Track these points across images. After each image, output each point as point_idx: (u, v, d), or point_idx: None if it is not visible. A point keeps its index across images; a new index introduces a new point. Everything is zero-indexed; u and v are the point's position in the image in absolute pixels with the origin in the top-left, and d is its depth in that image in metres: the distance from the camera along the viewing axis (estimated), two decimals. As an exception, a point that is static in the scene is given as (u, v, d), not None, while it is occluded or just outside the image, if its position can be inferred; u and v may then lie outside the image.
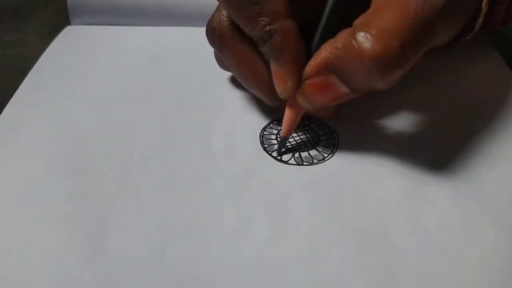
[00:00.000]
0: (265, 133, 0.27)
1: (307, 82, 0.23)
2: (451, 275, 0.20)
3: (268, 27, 0.23)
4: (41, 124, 0.27)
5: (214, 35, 0.25)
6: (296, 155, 0.25)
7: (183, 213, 0.22)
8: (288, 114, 0.25)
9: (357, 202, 0.23)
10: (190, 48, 0.33)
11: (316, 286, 0.20)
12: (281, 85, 0.24)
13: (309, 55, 0.23)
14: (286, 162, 0.25)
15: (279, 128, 0.27)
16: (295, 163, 0.25)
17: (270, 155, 0.25)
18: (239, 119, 0.27)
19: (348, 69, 0.21)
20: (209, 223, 0.22)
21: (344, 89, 0.22)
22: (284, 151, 0.26)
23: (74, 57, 0.32)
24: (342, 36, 0.22)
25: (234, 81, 0.30)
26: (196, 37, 0.34)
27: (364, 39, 0.20)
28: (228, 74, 0.30)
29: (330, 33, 0.23)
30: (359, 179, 0.24)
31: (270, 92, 0.25)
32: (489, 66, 0.32)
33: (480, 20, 0.25)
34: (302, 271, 0.20)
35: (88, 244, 0.21)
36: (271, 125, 0.27)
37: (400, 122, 0.27)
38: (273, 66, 0.24)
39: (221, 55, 0.26)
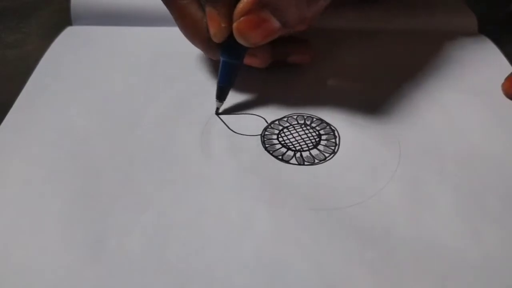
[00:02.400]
0: (266, 133, 0.27)
1: (241, 19, 0.24)
2: (451, 275, 0.20)
3: None
4: (43, 125, 0.27)
5: None
6: (298, 155, 0.25)
7: (183, 212, 0.22)
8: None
9: (358, 202, 0.23)
10: (190, 48, 0.33)
11: (316, 284, 0.20)
12: (215, 27, 0.25)
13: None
14: (287, 162, 0.25)
15: (280, 127, 0.27)
16: (296, 163, 0.25)
17: (272, 154, 0.25)
18: (241, 119, 0.27)
19: (279, 2, 0.24)
20: (210, 222, 0.22)
21: (275, 23, 0.24)
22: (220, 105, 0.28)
23: (76, 57, 0.32)
24: None
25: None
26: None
27: None
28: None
29: None
30: (361, 178, 0.24)
31: (208, 42, 0.27)
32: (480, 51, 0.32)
33: None
34: (302, 269, 0.20)
35: (89, 243, 0.21)
36: (272, 125, 0.27)
37: (400, 122, 0.27)
38: (208, 10, 0.25)
39: (169, 11, 0.28)
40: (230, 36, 0.25)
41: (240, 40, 0.25)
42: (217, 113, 0.28)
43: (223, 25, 0.25)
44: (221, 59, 0.27)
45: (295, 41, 0.30)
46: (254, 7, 0.24)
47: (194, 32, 0.27)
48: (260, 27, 0.24)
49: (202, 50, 0.28)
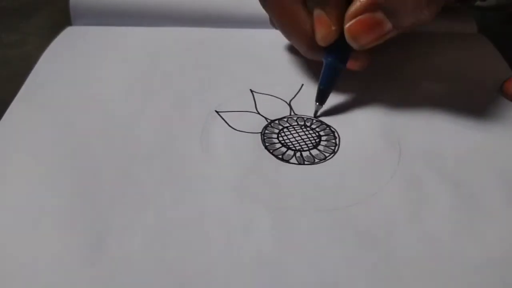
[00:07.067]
0: (266, 131, 0.27)
1: (355, 20, 0.24)
2: (452, 275, 0.20)
3: None
4: (43, 124, 0.27)
5: None
6: (298, 154, 0.25)
7: (183, 211, 0.22)
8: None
9: (358, 202, 0.23)
10: (190, 48, 0.33)
11: (316, 284, 0.20)
12: (325, 30, 0.25)
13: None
14: (287, 161, 0.25)
15: (280, 127, 0.27)
16: (296, 163, 0.25)
17: (272, 153, 0.25)
18: (240, 117, 0.27)
19: (395, 4, 0.23)
20: (210, 222, 0.22)
21: (388, 25, 0.24)
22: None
23: (75, 57, 0.32)
24: None
25: (234, 80, 0.30)
26: (196, 37, 0.34)
27: None
28: (228, 74, 0.31)
29: None
30: (360, 178, 0.24)
31: (310, 42, 0.27)
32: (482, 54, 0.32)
33: None
34: (303, 269, 0.20)
35: (89, 243, 0.21)
36: (272, 124, 0.27)
37: (400, 122, 0.27)
38: (317, 12, 0.25)
39: (266, 9, 0.28)
40: (337, 38, 0.25)
41: (351, 42, 0.25)
42: (316, 117, 0.28)
43: (333, 28, 0.25)
44: (325, 62, 0.27)
45: None
46: (369, 8, 0.24)
47: (298, 33, 0.27)
48: (374, 29, 0.24)
49: (303, 52, 0.28)
